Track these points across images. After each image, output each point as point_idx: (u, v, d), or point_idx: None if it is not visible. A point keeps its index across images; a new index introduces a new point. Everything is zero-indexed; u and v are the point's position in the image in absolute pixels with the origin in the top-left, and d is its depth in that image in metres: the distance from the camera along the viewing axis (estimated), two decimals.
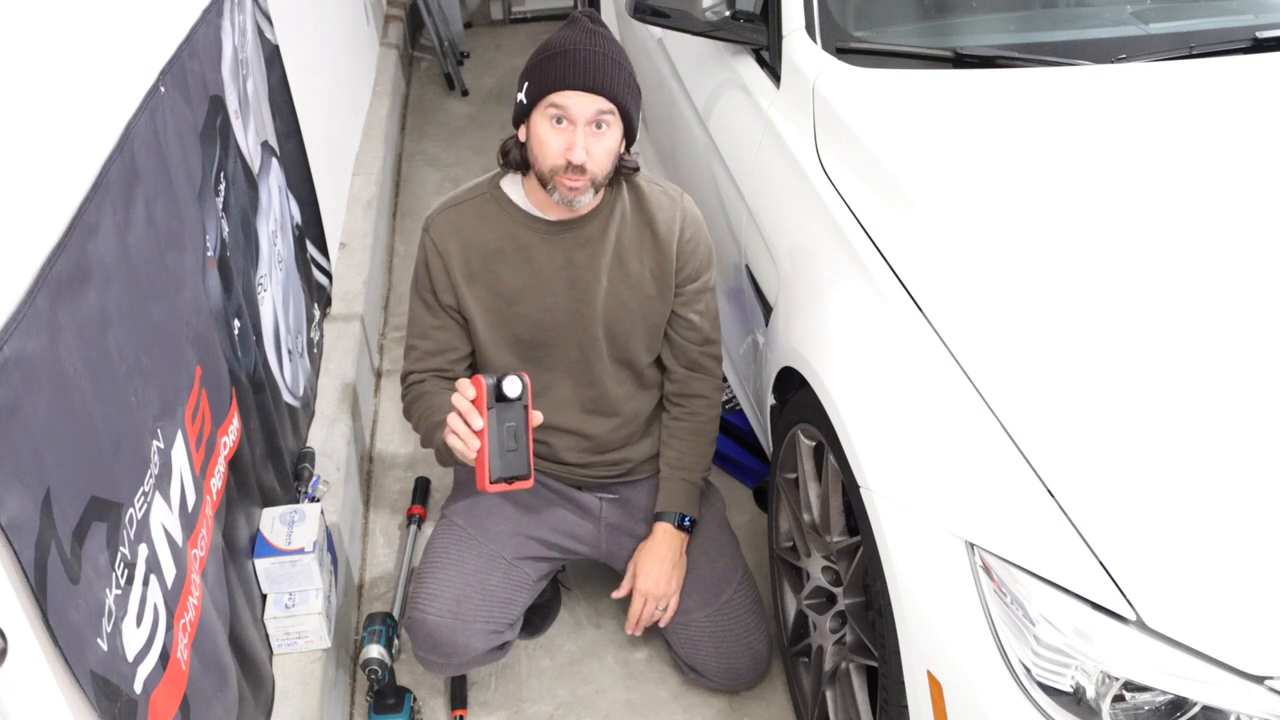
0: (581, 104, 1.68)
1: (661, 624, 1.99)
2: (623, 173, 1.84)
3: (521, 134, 1.78)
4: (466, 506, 1.99)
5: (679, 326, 1.96)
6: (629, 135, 1.78)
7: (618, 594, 2.00)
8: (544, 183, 1.76)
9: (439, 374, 1.93)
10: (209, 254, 1.71)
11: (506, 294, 1.85)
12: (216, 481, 1.64)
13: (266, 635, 1.86)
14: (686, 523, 1.98)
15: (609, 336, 1.90)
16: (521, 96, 1.74)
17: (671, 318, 1.95)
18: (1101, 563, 1.21)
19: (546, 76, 1.69)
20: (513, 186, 1.85)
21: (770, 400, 1.95)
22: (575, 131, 1.69)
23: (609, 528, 2.04)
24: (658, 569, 1.94)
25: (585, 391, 1.95)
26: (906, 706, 1.42)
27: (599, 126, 1.71)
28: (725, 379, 2.72)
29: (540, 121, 1.72)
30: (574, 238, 1.83)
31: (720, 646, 1.97)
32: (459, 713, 2.02)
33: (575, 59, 1.68)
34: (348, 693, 2.07)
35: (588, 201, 1.77)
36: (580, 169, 1.70)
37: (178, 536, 1.42)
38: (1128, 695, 1.22)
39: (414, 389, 1.95)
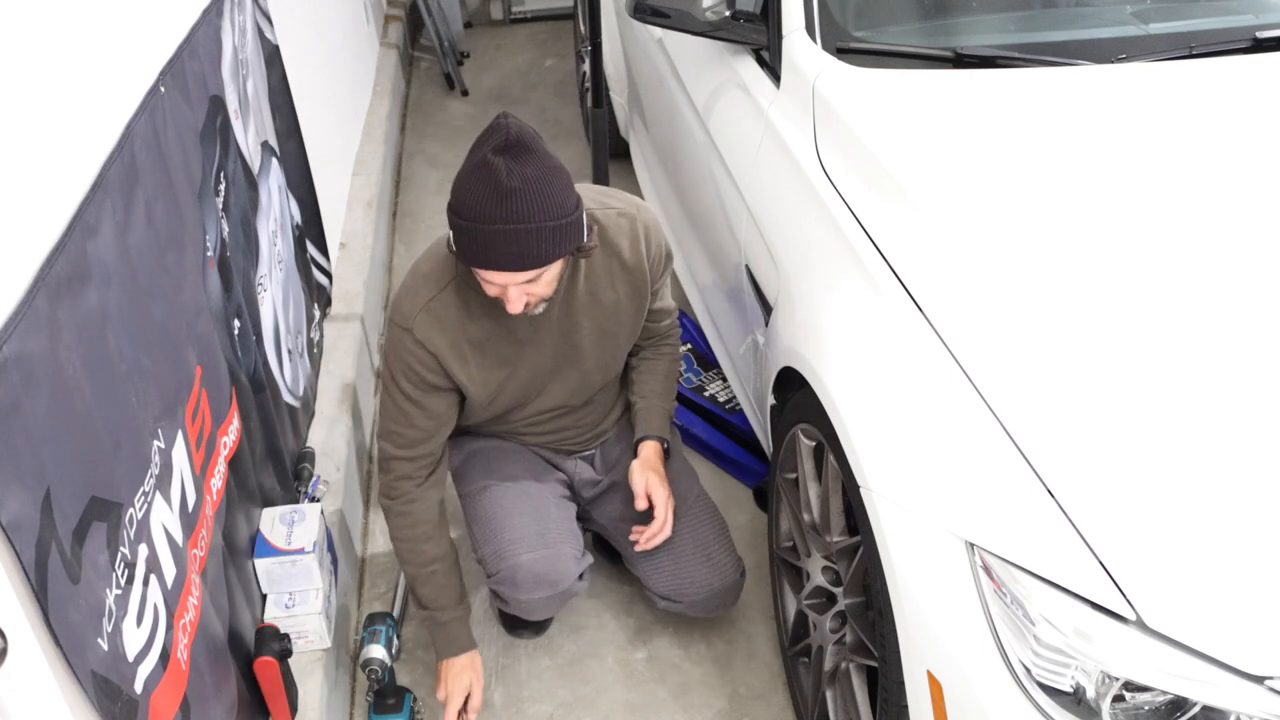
0: (505, 279, 1.64)
1: (662, 536, 1.99)
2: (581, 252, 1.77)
3: None
4: (482, 471, 2.04)
5: (650, 318, 2.02)
6: (576, 246, 1.70)
7: (639, 505, 1.98)
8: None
9: (423, 462, 1.90)
10: (209, 254, 1.71)
11: (497, 362, 1.86)
12: (216, 481, 1.64)
13: None
14: (665, 443, 2.05)
15: (599, 366, 1.96)
16: (454, 246, 1.66)
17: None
18: (1101, 563, 1.21)
19: (464, 249, 1.62)
20: None
21: (770, 400, 1.95)
22: (506, 291, 1.66)
23: (582, 483, 2.14)
24: (657, 476, 1.99)
25: (574, 405, 2.02)
26: (906, 706, 1.43)
27: (531, 280, 1.65)
28: (725, 379, 2.73)
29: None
30: (547, 307, 1.81)
31: (683, 563, 2.01)
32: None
33: (489, 243, 1.58)
34: (348, 693, 2.07)
35: (544, 308, 1.77)
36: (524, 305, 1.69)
37: (178, 536, 1.42)
38: (1128, 695, 1.22)
39: (401, 496, 1.92)
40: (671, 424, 2.11)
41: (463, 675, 1.94)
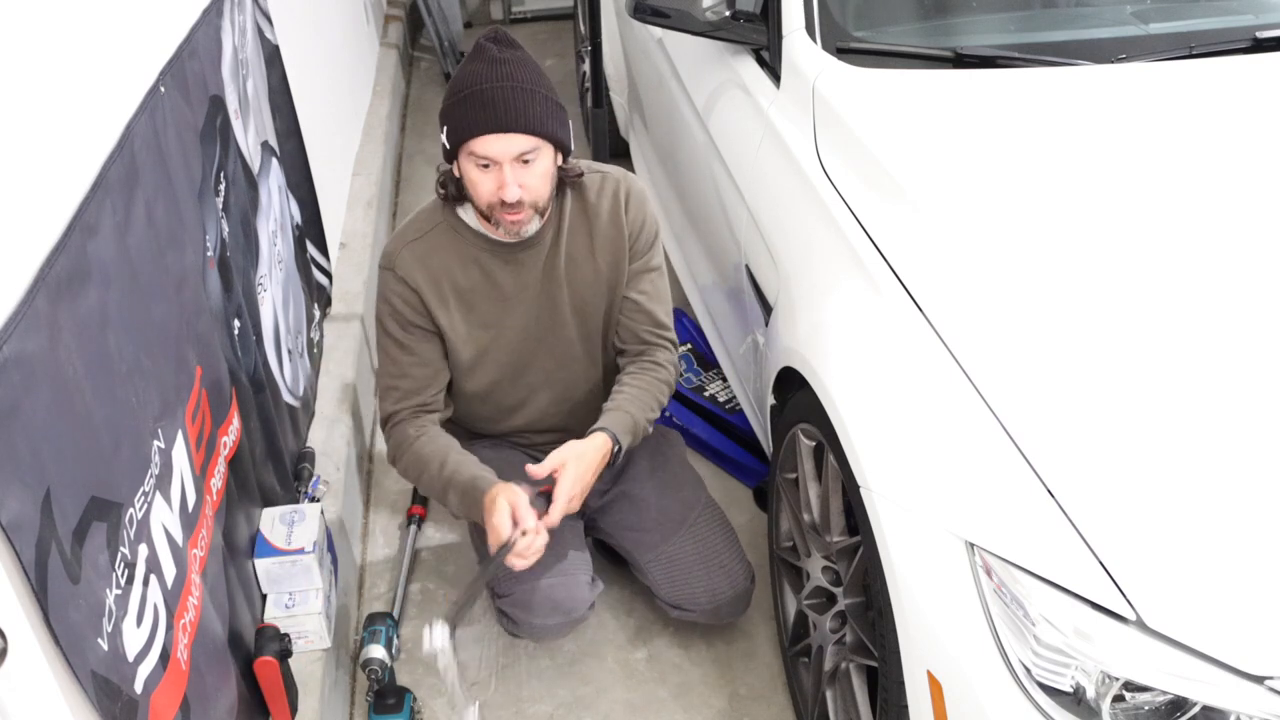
0: (501, 146, 1.66)
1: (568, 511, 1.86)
2: (566, 182, 1.84)
3: (455, 169, 1.76)
4: (480, 459, 1.99)
5: (626, 309, 1.96)
6: (563, 150, 1.76)
7: (535, 470, 1.82)
8: (486, 217, 1.77)
9: (422, 410, 1.90)
10: (209, 254, 1.71)
11: (481, 321, 1.87)
12: (216, 481, 1.64)
13: None
14: (617, 448, 1.88)
15: (582, 336, 1.94)
16: (444, 139, 1.71)
17: (621, 302, 1.96)
18: (1101, 563, 1.21)
19: (460, 123, 1.65)
20: (467, 212, 1.86)
21: (770, 400, 1.95)
22: (502, 171, 1.67)
23: (590, 494, 2.01)
24: (583, 469, 1.82)
25: (562, 396, 2.02)
26: (906, 706, 1.42)
27: (525, 161, 1.68)
28: (725, 379, 2.73)
29: (466, 165, 1.71)
30: (532, 256, 1.83)
31: (693, 572, 1.99)
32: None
33: (484, 101, 1.63)
34: (348, 693, 2.07)
35: (535, 227, 1.79)
36: (517, 203, 1.70)
37: (178, 536, 1.42)
38: (1128, 695, 1.22)
39: (404, 435, 1.90)
40: (636, 435, 1.95)
41: (499, 511, 1.74)
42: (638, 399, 1.96)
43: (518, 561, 1.73)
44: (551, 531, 1.81)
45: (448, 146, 1.71)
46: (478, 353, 1.89)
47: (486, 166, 1.68)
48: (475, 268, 1.83)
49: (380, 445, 2.73)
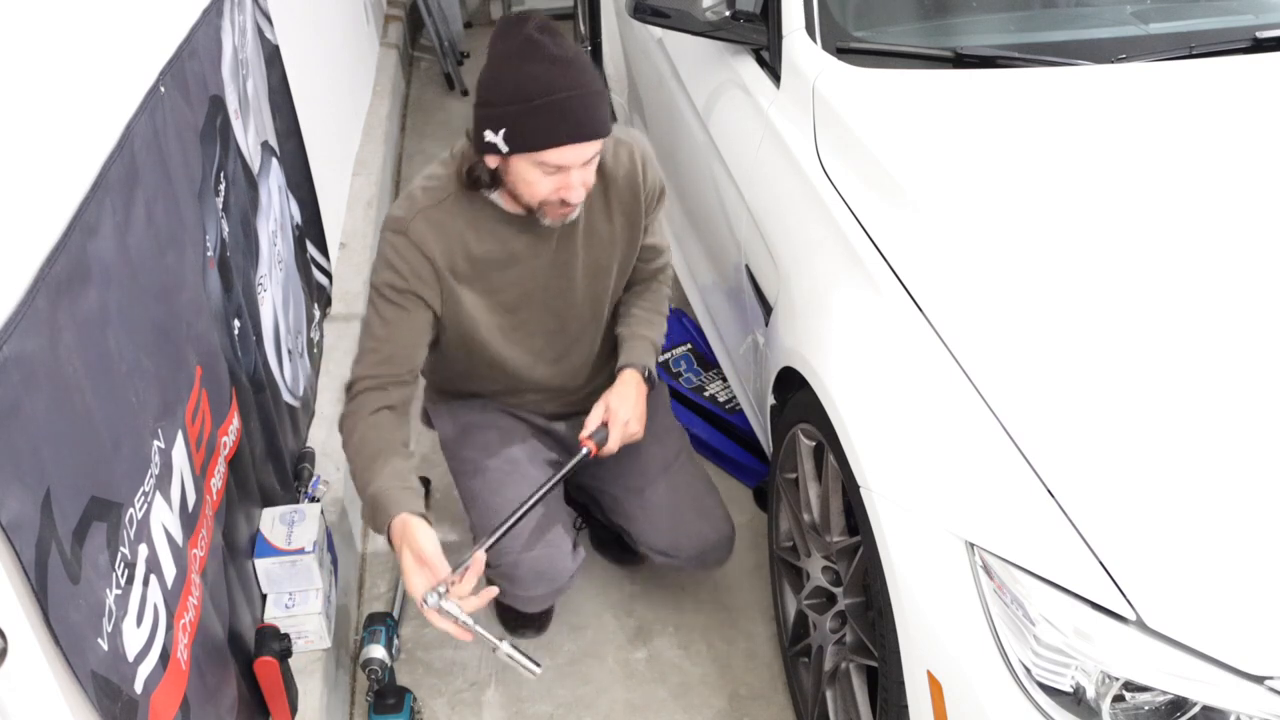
0: (577, 154, 1.60)
1: (621, 441, 1.89)
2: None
3: (490, 161, 1.67)
4: (478, 448, 2.00)
5: (641, 255, 1.98)
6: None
7: (585, 433, 1.87)
8: (529, 208, 1.71)
9: (393, 381, 1.79)
10: (209, 254, 1.71)
11: (491, 288, 1.83)
12: (216, 481, 1.64)
13: None
14: (648, 375, 1.95)
15: (590, 298, 1.92)
16: (497, 141, 1.60)
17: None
18: (1101, 563, 1.21)
19: (532, 133, 1.57)
20: (491, 192, 1.77)
21: (770, 400, 1.95)
22: (569, 175, 1.63)
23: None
24: (631, 405, 1.89)
25: (561, 356, 1.98)
26: (906, 706, 1.42)
27: (588, 161, 1.64)
28: (725, 379, 2.73)
29: (524, 167, 1.63)
30: (550, 226, 1.77)
31: (680, 516, 2.01)
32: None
33: (563, 112, 1.55)
34: (348, 693, 2.07)
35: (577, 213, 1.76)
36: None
37: (178, 536, 1.42)
38: (1128, 695, 1.22)
39: (364, 404, 1.77)
40: (659, 350, 2.03)
41: (402, 547, 1.62)
42: (648, 320, 2.01)
43: (466, 604, 1.59)
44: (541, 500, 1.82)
45: (503, 150, 1.60)
46: (485, 320, 1.84)
47: (553, 171, 1.63)
48: (491, 237, 1.77)
49: None
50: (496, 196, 1.76)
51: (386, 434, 1.76)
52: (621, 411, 1.89)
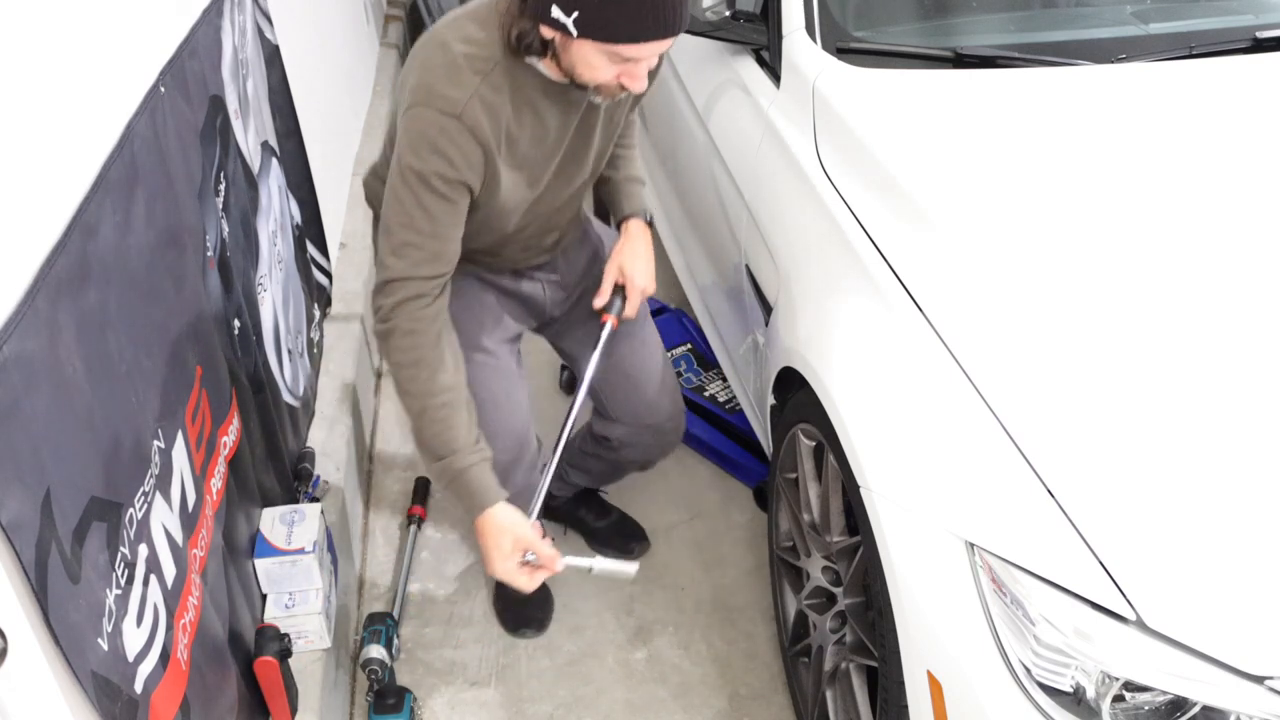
0: (655, 49, 1.48)
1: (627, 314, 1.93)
2: None
3: (546, 32, 1.50)
4: (468, 331, 1.86)
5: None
6: None
7: (600, 303, 1.90)
8: (577, 84, 1.57)
9: (438, 283, 1.64)
10: (209, 254, 1.71)
11: (520, 163, 1.69)
12: (216, 481, 1.64)
13: None
14: (648, 218, 2.00)
15: (592, 172, 1.85)
16: (565, 21, 1.44)
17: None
18: (1101, 563, 1.21)
19: (613, 25, 1.42)
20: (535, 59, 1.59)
21: (770, 400, 1.95)
22: (638, 65, 1.51)
23: (553, 303, 2.05)
24: (644, 265, 1.93)
25: (551, 225, 1.91)
26: (906, 706, 1.43)
27: None
28: (725, 379, 2.73)
29: (593, 53, 1.48)
30: (580, 95, 1.64)
31: (640, 384, 2.02)
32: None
33: (651, 6, 1.40)
34: (348, 693, 2.07)
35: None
36: None
37: (178, 536, 1.42)
38: (1128, 695, 1.22)
39: (416, 329, 1.63)
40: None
41: (503, 537, 1.65)
42: (630, 159, 2.03)
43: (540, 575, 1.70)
44: (510, 411, 1.85)
45: (572, 32, 1.44)
46: (513, 197, 1.71)
47: (620, 61, 1.49)
48: (529, 110, 1.62)
49: (380, 445, 2.73)
50: (541, 65, 1.59)
51: (451, 375, 1.65)
52: (637, 276, 1.90)
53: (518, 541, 1.65)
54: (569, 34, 1.45)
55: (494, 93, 1.56)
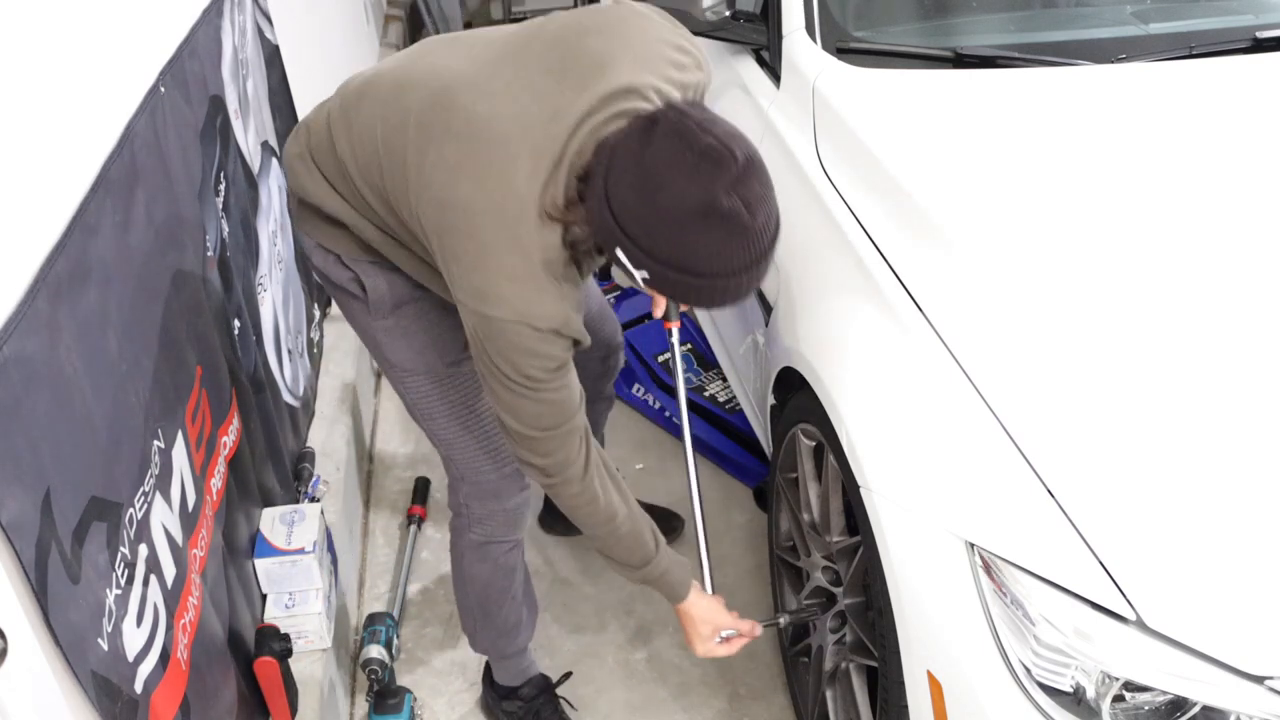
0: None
1: None
2: None
3: (610, 253, 1.32)
4: (424, 345, 1.64)
5: None
6: None
7: (658, 310, 2.00)
8: (604, 271, 1.55)
9: (582, 453, 1.54)
10: (209, 254, 1.71)
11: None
12: (216, 481, 1.64)
13: None
14: None
15: None
16: (634, 274, 1.29)
17: None
18: (1101, 563, 1.21)
19: (683, 295, 1.30)
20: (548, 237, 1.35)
21: (770, 400, 1.95)
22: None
23: None
24: None
25: None
26: (906, 706, 1.43)
27: None
28: (725, 379, 2.72)
29: (647, 288, 1.33)
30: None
31: (602, 317, 1.99)
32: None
33: (729, 291, 1.28)
34: (348, 693, 2.07)
35: None
36: None
37: (178, 536, 1.42)
38: (1128, 695, 1.22)
39: (604, 482, 1.56)
40: None
41: (704, 627, 1.71)
42: None
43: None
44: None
45: (638, 282, 1.31)
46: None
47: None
48: (570, 283, 1.42)
49: (380, 445, 2.73)
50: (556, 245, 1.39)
51: (620, 496, 1.60)
52: None
53: (716, 628, 1.73)
54: (634, 279, 1.32)
55: (567, 282, 1.39)
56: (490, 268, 1.33)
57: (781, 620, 1.85)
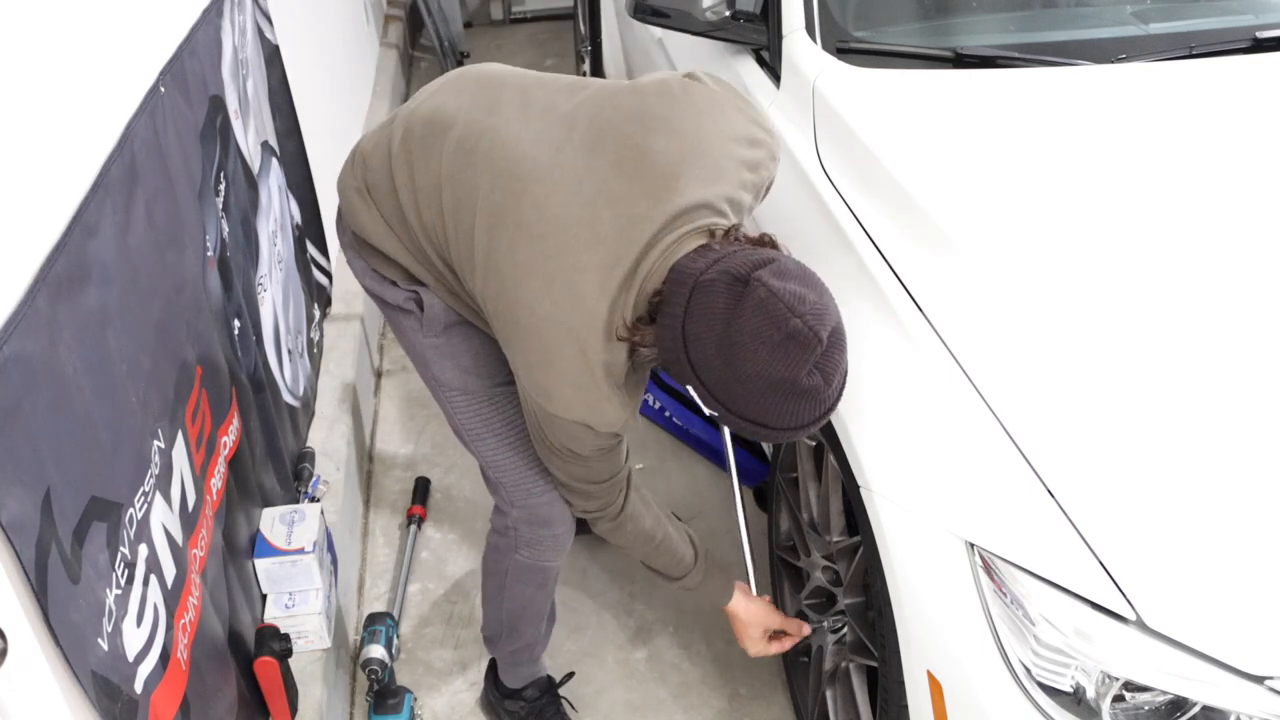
0: None
1: None
2: None
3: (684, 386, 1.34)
4: (471, 366, 1.63)
5: None
6: None
7: None
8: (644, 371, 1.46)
9: (620, 498, 1.61)
10: (209, 254, 1.71)
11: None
12: (216, 481, 1.64)
13: None
14: None
15: None
16: (701, 407, 1.32)
17: None
18: (1101, 563, 1.21)
19: (746, 431, 1.32)
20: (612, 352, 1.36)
21: None
22: None
23: None
24: None
25: None
26: (906, 706, 1.43)
27: None
28: None
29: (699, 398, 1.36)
30: None
31: None
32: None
33: (790, 435, 1.31)
34: (348, 693, 2.07)
35: None
36: None
37: (178, 536, 1.42)
38: (1128, 695, 1.22)
39: (641, 512, 1.63)
40: None
41: (753, 629, 1.79)
42: None
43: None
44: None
45: (698, 402, 1.32)
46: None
47: None
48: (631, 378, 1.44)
49: (380, 445, 2.73)
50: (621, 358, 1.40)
51: (654, 516, 1.67)
52: None
53: (766, 629, 1.81)
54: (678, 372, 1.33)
55: (628, 389, 1.43)
56: (553, 372, 1.35)
57: (825, 623, 1.86)
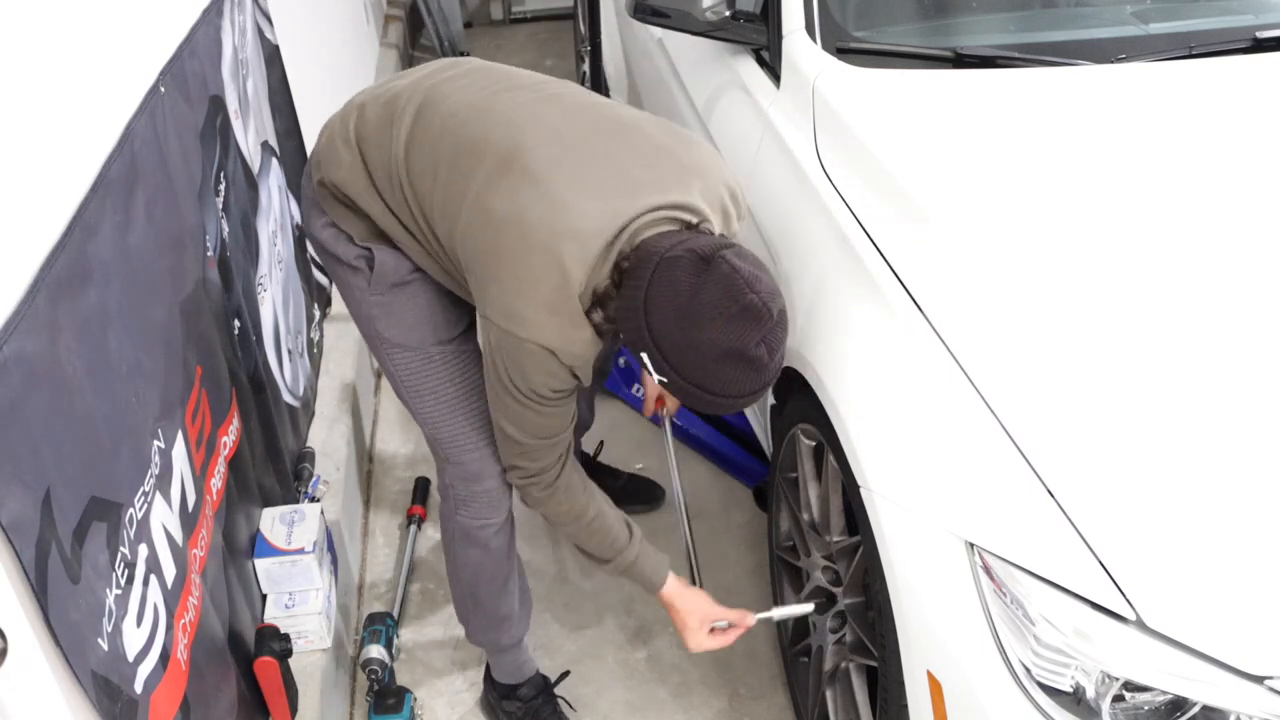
0: None
1: None
2: None
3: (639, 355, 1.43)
4: (414, 322, 1.67)
5: None
6: None
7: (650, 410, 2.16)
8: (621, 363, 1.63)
9: (559, 463, 1.65)
10: (209, 254, 1.71)
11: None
12: (216, 481, 1.64)
13: None
14: None
15: None
16: (653, 373, 1.41)
17: None
18: (1101, 563, 1.21)
19: (692, 401, 1.41)
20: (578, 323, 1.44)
21: (770, 400, 1.95)
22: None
23: None
24: None
25: None
26: (906, 706, 1.43)
27: None
28: None
29: (650, 377, 1.53)
30: None
31: None
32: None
33: (734, 404, 1.40)
34: (348, 693, 2.07)
35: None
36: None
37: (178, 536, 1.42)
38: (1128, 695, 1.22)
39: (575, 492, 1.66)
40: None
41: (690, 618, 1.74)
42: None
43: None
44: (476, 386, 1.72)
45: (650, 369, 1.41)
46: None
47: None
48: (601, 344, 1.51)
49: (380, 445, 2.73)
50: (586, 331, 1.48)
51: (586, 493, 1.69)
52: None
53: (704, 619, 1.76)
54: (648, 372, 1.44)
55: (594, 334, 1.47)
56: (533, 296, 1.41)
57: (775, 614, 1.82)
